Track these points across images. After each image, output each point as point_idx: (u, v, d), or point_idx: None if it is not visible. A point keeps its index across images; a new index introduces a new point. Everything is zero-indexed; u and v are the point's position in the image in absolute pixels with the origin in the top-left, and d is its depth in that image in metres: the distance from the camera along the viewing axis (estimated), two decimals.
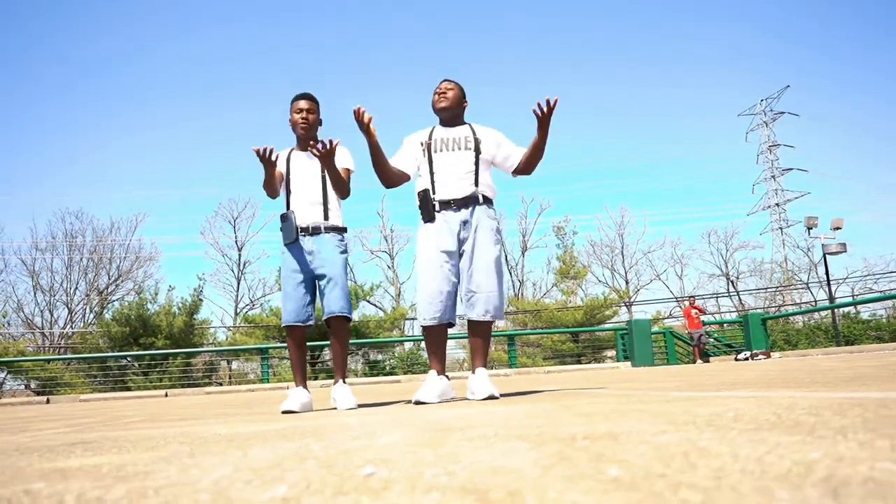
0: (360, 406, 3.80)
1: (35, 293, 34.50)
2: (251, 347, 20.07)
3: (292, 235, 3.88)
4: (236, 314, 35.72)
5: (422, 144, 3.93)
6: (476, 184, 3.84)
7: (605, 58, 57.18)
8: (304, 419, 2.80)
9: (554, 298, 32.81)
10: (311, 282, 3.92)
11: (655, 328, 21.68)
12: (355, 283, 27.25)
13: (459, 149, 3.86)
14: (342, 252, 3.93)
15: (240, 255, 37.91)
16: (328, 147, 3.64)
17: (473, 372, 3.77)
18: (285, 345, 19.97)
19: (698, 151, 60.24)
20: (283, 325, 3.93)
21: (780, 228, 45.73)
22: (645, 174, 59.98)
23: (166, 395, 13.97)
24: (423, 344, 22.20)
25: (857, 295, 34.10)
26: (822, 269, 32.56)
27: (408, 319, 28.09)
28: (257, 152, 3.64)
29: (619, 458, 0.93)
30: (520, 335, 24.57)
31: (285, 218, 3.92)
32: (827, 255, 25.86)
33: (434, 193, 3.82)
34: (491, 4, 56.30)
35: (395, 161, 3.97)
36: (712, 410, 1.72)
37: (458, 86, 3.97)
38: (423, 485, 0.83)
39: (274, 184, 3.83)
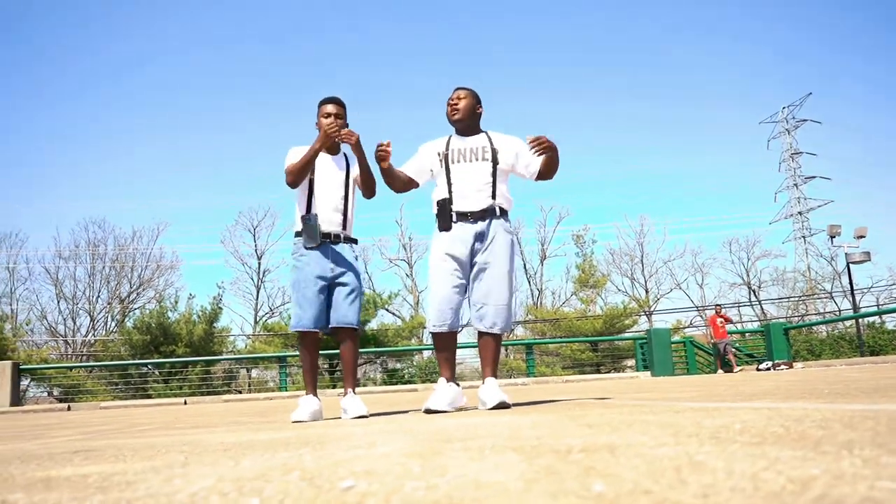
0: (372, 415, 3.77)
1: (58, 301, 34.98)
2: (269, 356, 20.14)
3: (317, 239, 3.79)
4: (256, 322, 35.91)
5: (439, 154, 3.91)
6: (493, 196, 3.81)
7: (625, 65, 57.01)
8: (313, 428, 2.79)
9: (573, 307, 32.62)
10: (329, 289, 3.88)
11: (676, 337, 21.48)
12: (374, 291, 27.30)
13: (476, 159, 3.83)
14: (359, 263, 3.94)
15: (259, 264, 38.15)
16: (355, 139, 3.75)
17: (483, 382, 3.74)
18: None
19: (719, 159, 59.81)
20: (300, 329, 3.79)
21: (803, 237, 45.17)
22: (665, 182, 59.65)
23: (185, 403, 14.04)
24: None
25: (882, 304, 33.57)
26: (845, 279, 32.11)
27: (426, 328, 28.04)
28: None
29: (608, 473, 0.90)
30: (538, 344, 24.46)
31: (308, 220, 3.82)
32: (850, 265, 25.48)
33: (452, 204, 3.81)
34: (511, 11, 56.36)
35: (407, 167, 3.95)
36: (720, 422, 1.67)
37: (472, 93, 3.92)
38: (398, 499, 0.79)
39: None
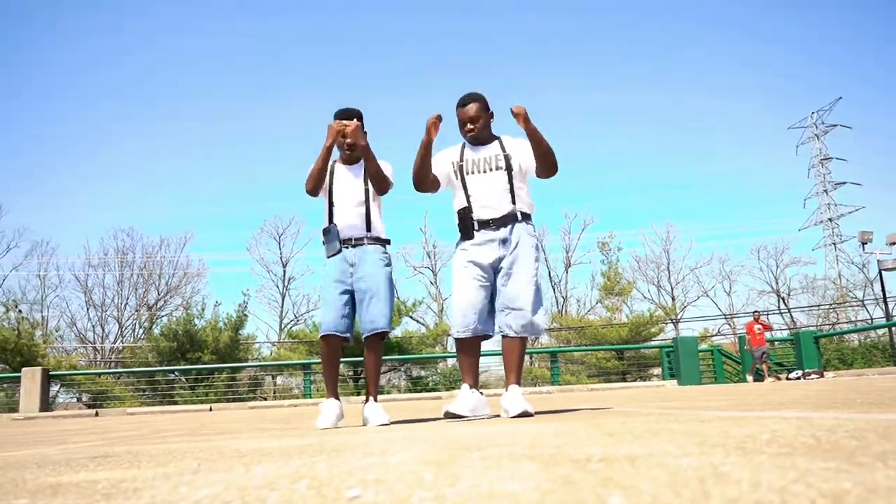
0: (393, 423, 3.74)
1: (88, 308, 35.52)
2: (294, 363, 20.22)
3: (335, 248, 3.84)
4: (281, 330, 36.13)
5: (453, 164, 3.88)
6: (513, 202, 3.77)
7: (651, 70, 56.61)
8: (333, 435, 2.76)
9: (598, 315, 32.35)
10: (352, 294, 3.85)
11: (703, 346, 21.19)
12: (398, 298, 27.31)
13: (491, 169, 3.80)
14: (386, 265, 3.88)
15: (284, 272, 38.43)
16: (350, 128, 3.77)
17: (507, 389, 3.68)
18: None
19: (747, 165, 59.09)
20: (322, 333, 3.80)
21: (834, 244, 44.43)
22: (691, 189, 59.05)
23: (210, 410, 14.13)
24: None
25: None
26: (878, 286, 31.46)
27: (450, 335, 28.00)
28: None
29: (627, 485, 0.85)
30: (563, 352, 24.28)
31: (328, 231, 3.88)
32: (883, 271, 24.98)
33: (472, 212, 3.78)
34: (533, 13, 56.32)
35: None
36: (748, 431, 1.61)
37: (481, 105, 3.85)
38: None
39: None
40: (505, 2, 55.73)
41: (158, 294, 36.51)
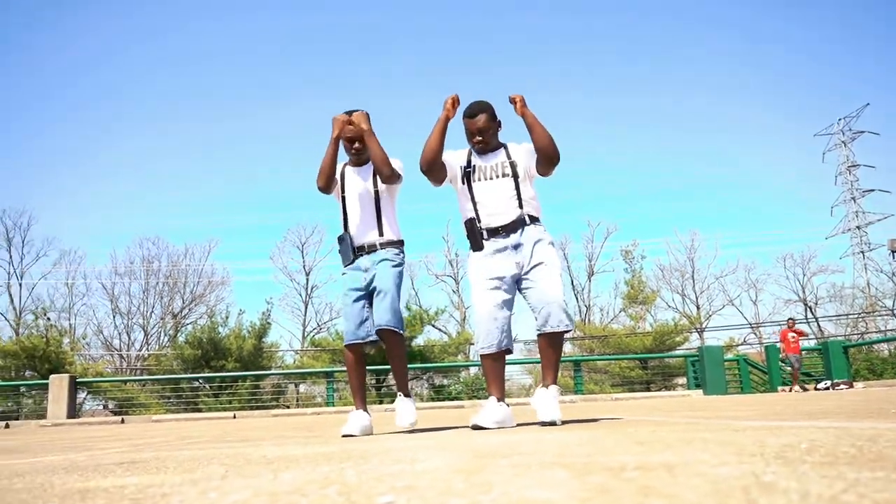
0: (417, 431, 3.72)
1: (114, 316, 35.97)
2: (317, 371, 20.28)
3: (349, 258, 3.88)
4: (304, 338, 36.29)
5: (461, 169, 3.86)
6: (520, 206, 3.75)
7: (677, 77, 56.28)
8: (359, 442, 2.75)
9: (622, 324, 32.07)
10: (369, 300, 3.86)
11: (728, 355, 20.92)
12: (420, 307, 27.31)
13: (498, 176, 3.79)
14: (395, 265, 3.87)
15: (307, 280, 38.61)
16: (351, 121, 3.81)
17: (546, 387, 3.61)
18: None
19: (772, 172, 58.42)
20: (345, 343, 3.84)
21: (862, 252, 43.69)
22: (716, 196, 58.48)
23: (234, 417, 14.20)
24: None
25: None
26: None
27: (472, 344, 27.94)
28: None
29: (667, 493, 0.82)
30: (587, 361, 24.10)
31: (342, 240, 3.93)
32: None
33: (480, 222, 3.76)
34: (560, 20, 56.27)
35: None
36: (784, 441, 1.57)
37: (489, 113, 3.81)
38: None
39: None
40: (512, 2, 55.72)
41: (183, 302, 36.91)
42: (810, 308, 39.20)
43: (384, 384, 20.52)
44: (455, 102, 3.78)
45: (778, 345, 17.33)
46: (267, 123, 57.53)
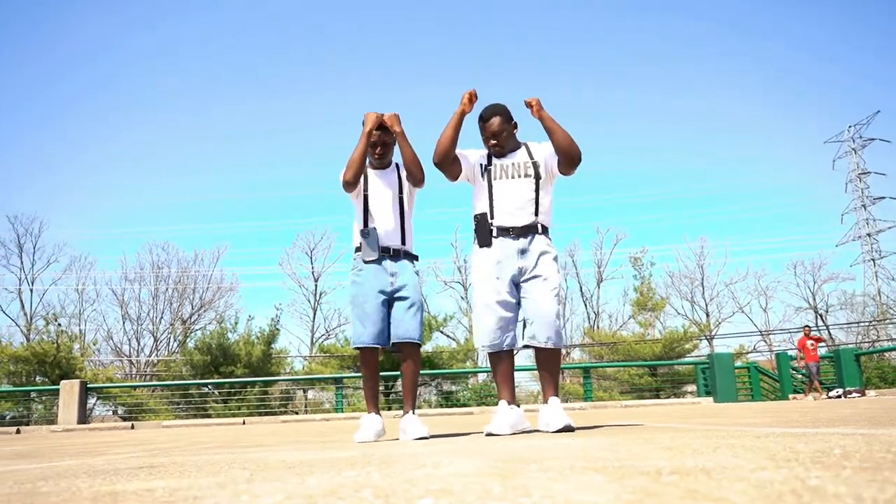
0: (431, 437, 3.68)
1: (124, 322, 36.08)
2: (326, 377, 20.27)
3: (376, 252, 3.76)
4: (312, 344, 36.31)
5: (481, 167, 3.83)
6: (536, 213, 3.72)
7: (685, 84, 56.19)
8: (374, 447, 2.73)
9: (631, 331, 31.94)
10: (389, 304, 3.80)
11: (738, 363, 20.79)
12: (428, 313, 27.28)
13: (519, 176, 3.75)
14: (418, 277, 3.87)
15: (316, 286, 38.64)
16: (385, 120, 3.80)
17: (546, 402, 3.61)
18: (360, 374, 20.23)
19: (782, 179, 58.17)
20: (361, 346, 3.71)
21: (873, 259, 43.44)
22: (726, 203, 58.26)
23: (244, 423, 14.20)
24: None
25: None
26: None
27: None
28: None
29: (715, 496, 0.81)
30: (596, 368, 24.00)
31: (367, 234, 3.80)
32: None
33: (492, 219, 3.73)
34: (566, 21, 56.34)
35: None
36: (815, 447, 1.55)
37: (504, 117, 3.79)
38: None
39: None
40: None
41: (192, 308, 36.99)
42: (821, 316, 38.96)
43: (392, 390, 20.49)
44: (472, 97, 3.75)
45: (796, 353, 17.15)
46: (277, 128, 57.75)
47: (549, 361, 3.66)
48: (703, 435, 2.47)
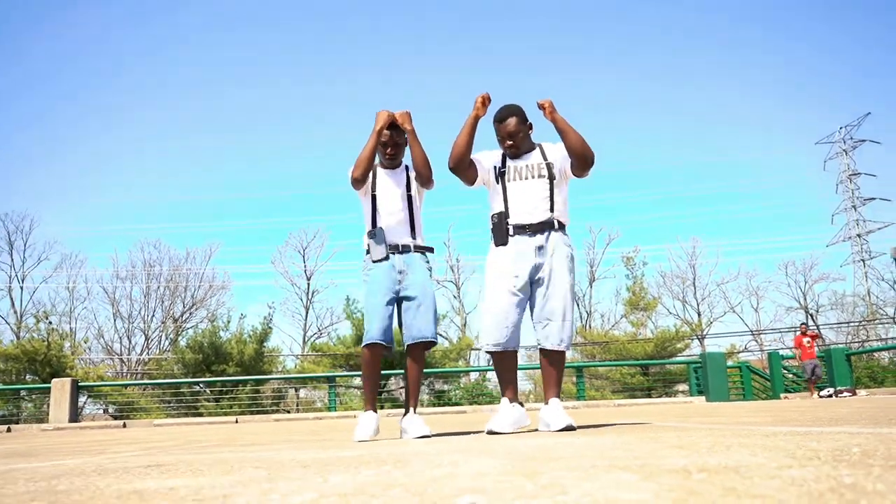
0: (432, 435, 3.67)
1: (115, 320, 35.89)
2: (319, 375, 20.21)
3: (384, 252, 3.76)
4: (304, 343, 36.23)
5: (495, 169, 3.84)
6: (552, 209, 3.73)
7: (676, 85, 56.36)
8: (380, 447, 2.72)
9: (623, 330, 32.02)
10: (397, 302, 3.78)
11: (729, 362, 20.87)
12: None
13: (533, 177, 3.76)
14: (430, 273, 3.85)
15: (308, 285, 38.54)
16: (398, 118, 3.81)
17: (546, 402, 3.61)
18: (353, 373, 20.23)
19: (773, 180, 58.46)
20: (367, 342, 3.68)
21: (863, 260, 43.73)
22: (717, 203, 58.47)
23: (236, 422, 14.16)
24: (489, 375, 22.03)
25: None
26: None
27: (474, 350, 27.91)
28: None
29: (755, 494, 0.81)
30: (589, 367, 24.05)
31: (374, 234, 3.80)
32: None
33: (508, 218, 3.73)
34: (567, 25, 56.38)
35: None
36: (830, 446, 1.56)
37: (519, 117, 3.79)
38: None
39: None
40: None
41: (184, 306, 36.82)
42: (811, 316, 39.17)
43: (385, 389, 20.47)
44: (486, 101, 3.75)
45: (794, 352, 17.17)
46: (270, 126, 57.57)
47: (555, 363, 3.66)
48: (709, 434, 2.48)
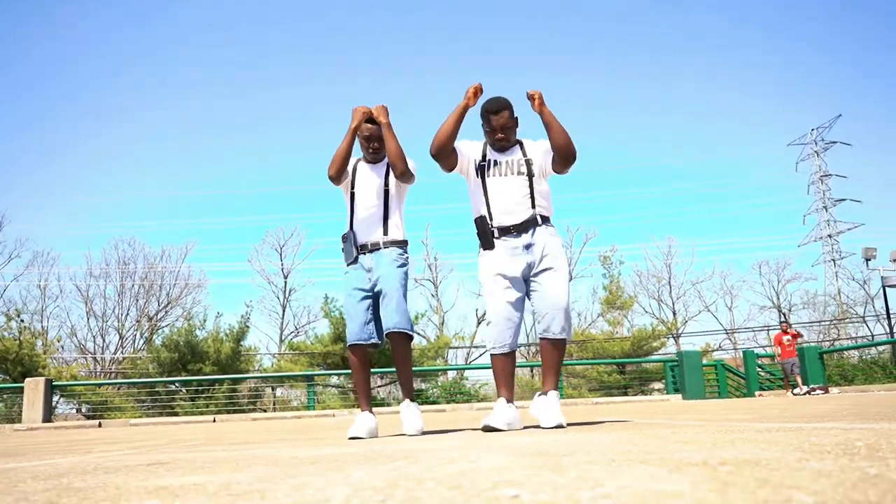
0: (427, 433, 3.70)
1: (88, 319, 35.37)
2: (298, 374, 20.13)
3: (352, 256, 3.87)
4: (281, 341, 36.01)
5: (475, 162, 3.85)
6: (533, 206, 3.75)
7: (651, 85, 56.88)
8: (376, 444, 2.73)
9: (600, 329, 32.29)
10: (373, 300, 3.85)
11: (704, 360, 21.13)
12: None
13: (513, 174, 3.78)
14: (400, 266, 3.86)
15: (285, 283, 38.31)
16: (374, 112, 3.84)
17: (546, 394, 3.65)
18: (330, 372, 20.17)
19: (747, 181, 59.24)
20: (349, 344, 3.83)
21: (833, 260, 44.49)
22: (692, 204, 59.12)
23: (214, 421, 14.05)
24: (467, 373, 22.10)
25: None
26: (878, 303, 31.47)
27: (451, 348, 27.95)
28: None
29: (791, 485, 0.84)
30: (566, 365, 24.19)
31: (345, 239, 3.92)
32: (886, 288, 25.00)
33: (491, 220, 3.75)
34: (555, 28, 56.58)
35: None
36: (833, 440, 1.60)
37: (511, 111, 3.82)
38: None
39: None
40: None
41: (159, 305, 36.40)
42: (784, 315, 39.79)
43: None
44: (478, 91, 3.75)
45: (773, 350, 17.35)
46: (246, 124, 57.08)
47: (556, 352, 3.70)
48: (703, 430, 2.52)
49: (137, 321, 35.39)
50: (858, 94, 56.27)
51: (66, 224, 53.56)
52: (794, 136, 49.49)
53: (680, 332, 35.71)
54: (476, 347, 33.48)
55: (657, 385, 23.65)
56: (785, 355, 16.72)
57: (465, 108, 3.74)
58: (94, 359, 33.31)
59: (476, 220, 3.81)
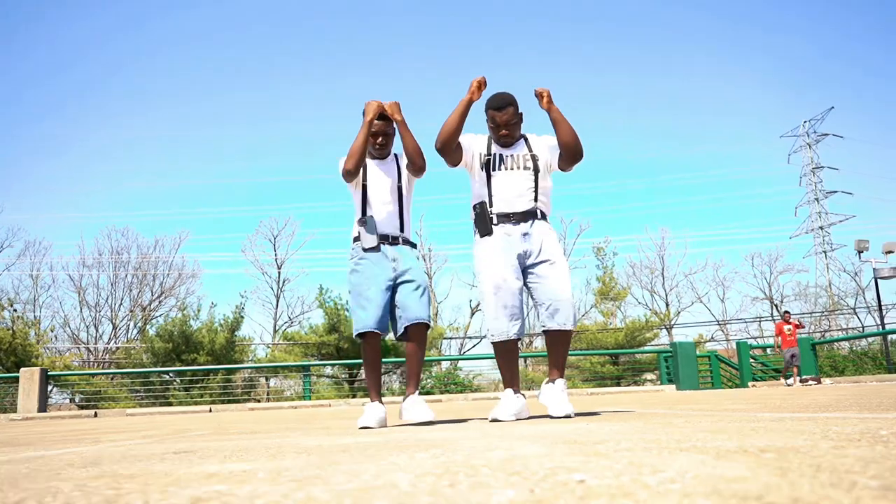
0: (437, 422, 3.71)
1: (81, 309, 35.23)
2: (294, 364, 20.15)
3: (374, 241, 3.79)
4: (275, 332, 35.99)
5: (480, 156, 3.86)
6: (535, 199, 3.78)
7: (646, 77, 56.90)
8: (393, 433, 2.75)
9: (593, 320, 32.43)
10: (391, 290, 3.81)
11: (697, 351, 21.27)
12: None
13: (518, 168, 3.80)
14: (421, 263, 3.92)
15: (279, 273, 38.26)
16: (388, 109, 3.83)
17: (553, 382, 3.67)
18: (326, 362, 20.18)
19: (740, 173, 59.44)
20: (363, 330, 3.72)
21: (825, 252, 44.78)
22: (685, 195, 59.29)
23: (210, 411, 14.07)
24: (461, 363, 22.15)
25: None
26: (868, 294, 31.72)
27: (445, 339, 28.00)
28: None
29: (845, 469, 0.88)
30: None
31: (365, 222, 3.83)
32: (879, 279, 25.17)
33: (491, 207, 3.77)
34: (548, 23, 56.46)
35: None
36: (853, 429, 1.65)
37: (515, 107, 3.82)
38: (673, 491, 0.78)
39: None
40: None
41: (153, 295, 36.31)
42: (776, 306, 40.06)
43: (358, 377, 20.45)
44: (482, 85, 3.75)
45: (774, 340, 17.41)
46: (240, 115, 56.81)
47: (562, 342, 3.71)
48: (715, 419, 2.56)
49: (131, 311, 35.30)
50: (850, 87, 56.52)
51: (59, 213, 53.28)
52: (786, 129, 49.70)
53: (673, 323, 35.91)
54: (470, 338, 33.61)
55: (650, 376, 23.79)
56: (786, 345, 16.79)
57: (470, 103, 3.74)
58: (88, 349, 33.22)
59: (475, 206, 3.80)
